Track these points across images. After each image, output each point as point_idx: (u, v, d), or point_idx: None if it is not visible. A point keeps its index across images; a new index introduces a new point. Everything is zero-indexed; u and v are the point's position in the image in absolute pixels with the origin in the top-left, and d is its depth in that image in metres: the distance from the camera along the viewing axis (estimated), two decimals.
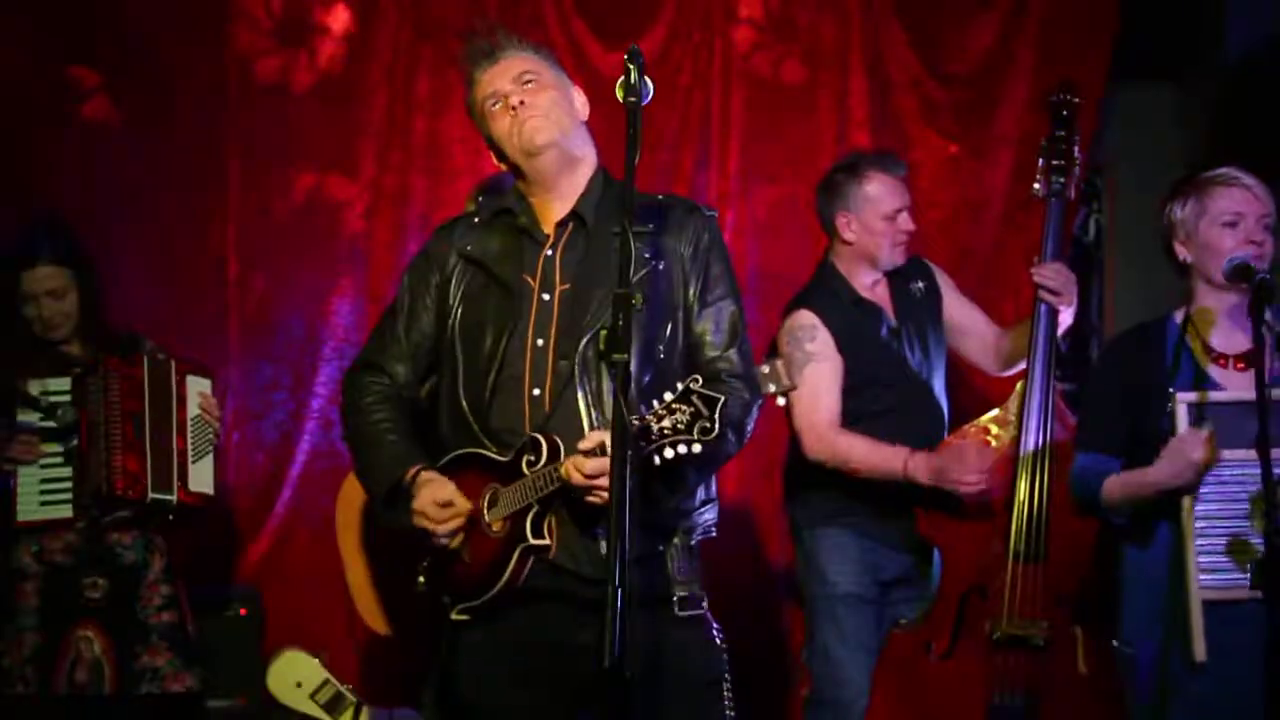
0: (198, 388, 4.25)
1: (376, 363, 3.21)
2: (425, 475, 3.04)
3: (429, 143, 5.22)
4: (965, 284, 4.58)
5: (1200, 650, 3.41)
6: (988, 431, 4.11)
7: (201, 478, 4.20)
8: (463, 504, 3.00)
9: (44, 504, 4.07)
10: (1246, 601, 3.35)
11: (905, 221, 4.27)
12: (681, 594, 3.01)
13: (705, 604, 3.10)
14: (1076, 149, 4.22)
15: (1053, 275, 4.12)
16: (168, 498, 4.12)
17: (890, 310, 4.30)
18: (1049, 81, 4.43)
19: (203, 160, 5.17)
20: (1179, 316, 3.62)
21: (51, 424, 4.08)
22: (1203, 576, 3.44)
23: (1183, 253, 3.60)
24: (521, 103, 3.03)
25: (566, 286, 3.03)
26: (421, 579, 3.10)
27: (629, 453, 2.65)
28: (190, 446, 4.19)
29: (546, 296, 3.03)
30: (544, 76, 3.08)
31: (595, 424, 2.92)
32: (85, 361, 4.16)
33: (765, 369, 3.16)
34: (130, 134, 5.13)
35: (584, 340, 2.96)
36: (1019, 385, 4.11)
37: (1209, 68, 5.44)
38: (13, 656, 4.04)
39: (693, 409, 2.71)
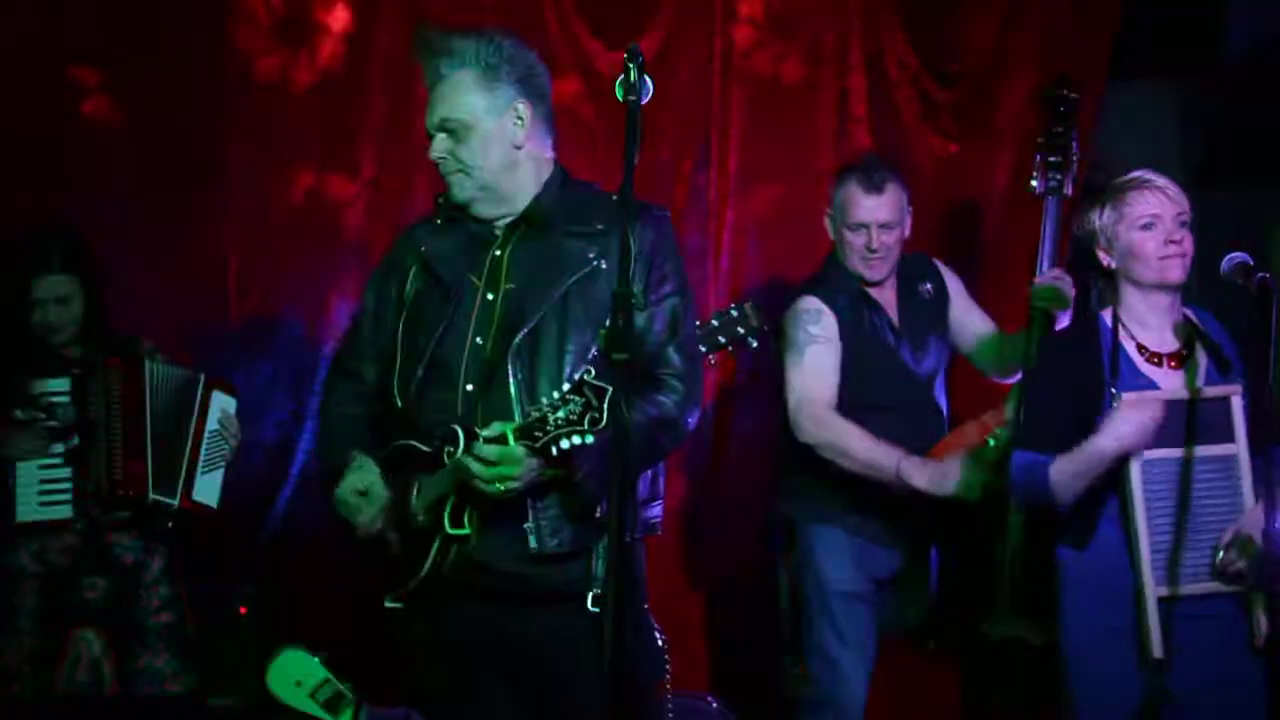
0: (221, 404, 4.28)
1: (347, 366, 3.30)
2: (356, 462, 3.10)
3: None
4: (965, 283, 4.57)
5: (1157, 647, 3.42)
6: (986, 428, 4.10)
7: (208, 490, 4.22)
8: (379, 492, 3.05)
9: (43, 504, 4.08)
10: (1201, 597, 3.43)
11: (873, 238, 4.18)
12: (598, 592, 2.99)
13: (638, 608, 3.13)
14: (1074, 145, 4.22)
15: (1049, 284, 4.12)
16: (169, 501, 4.12)
17: (894, 310, 4.28)
18: (1049, 80, 4.43)
19: (203, 160, 5.16)
20: (1108, 317, 3.64)
21: (52, 423, 4.09)
22: (1155, 573, 3.45)
23: (1106, 259, 3.62)
24: (440, 158, 3.08)
25: (511, 286, 3.07)
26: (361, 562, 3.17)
27: (539, 450, 2.80)
28: (203, 457, 4.21)
29: (490, 296, 3.08)
30: (472, 117, 3.05)
31: (527, 413, 2.93)
32: (85, 363, 4.16)
33: (734, 312, 3.18)
34: (130, 134, 5.13)
35: (519, 335, 3.01)
36: (1016, 385, 4.11)
37: (1210, 66, 5.44)
38: (12, 657, 4.04)
39: (585, 399, 2.75)
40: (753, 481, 4.99)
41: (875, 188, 4.18)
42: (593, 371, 2.77)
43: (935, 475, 4.00)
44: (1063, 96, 4.23)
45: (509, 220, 3.13)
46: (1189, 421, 3.46)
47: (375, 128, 5.23)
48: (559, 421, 2.77)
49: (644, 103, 2.80)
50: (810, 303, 4.19)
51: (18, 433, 4.07)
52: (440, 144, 3.09)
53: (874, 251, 4.18)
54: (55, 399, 4.11)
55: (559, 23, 5.21)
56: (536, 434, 2.81)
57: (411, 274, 3.17)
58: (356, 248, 5.22)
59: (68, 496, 4.09)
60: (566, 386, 2.77)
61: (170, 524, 4.19)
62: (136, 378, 4.15)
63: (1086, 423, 3.51)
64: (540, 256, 3.07)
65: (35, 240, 4.21)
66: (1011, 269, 5.04)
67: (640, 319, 3.05)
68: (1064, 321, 4.19)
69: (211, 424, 4.24)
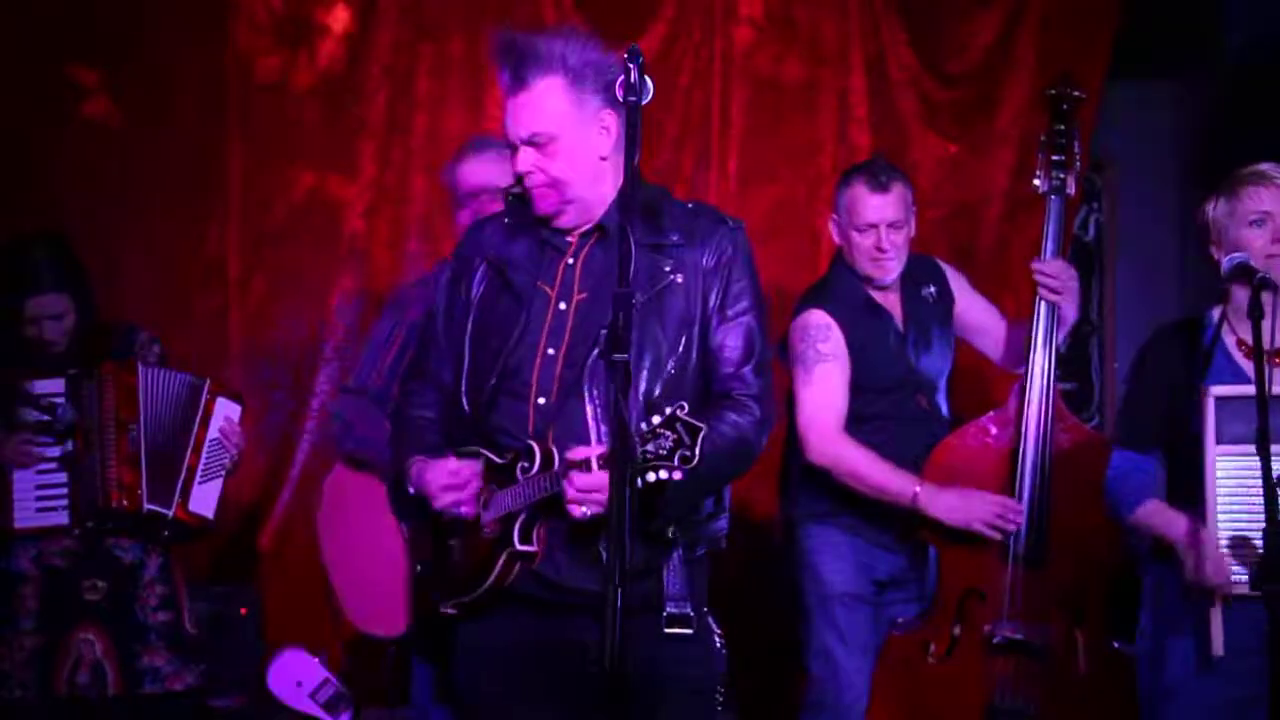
0: (225, 411, 4.22)
1: (426, 369, 3.23)
2: (420, 463, 3.05)
3: (429, 142, 5.22)
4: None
5: (1218, 645, 3.41)
6: (987, 431, 4.10)
7: (205, 500, 4.16)
8: (469, 471, 2.99)
9: (40, 511, 4.06)
10: (1254, 600, 3.36)
11: (882, 238, 4.14)
12: (671, 611, 2.99)
13: (702, 618, 3.09)
14: (1077, 144, 4.21)
15: (1054, 273, 4.11)
16: (164, 511, 4.08)
17: (899, 315, 4.26)
18: (1049, 79, 4.42)
19: (203, 160, 5.16)
20: (1216, 314, 3.61)
21: (51, 422, 4.06)
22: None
23: (1216, 253, 3.58)
24: (528, 171, 2.99)
25: (584, 296, 3.01)
26: (418, 568, 3.17)
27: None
28: (202, 466, 4.18)
29: (563, 305, 3.02)
30: (561, 128, 2.96)
31: (601, 438, 2.90)
32: (78, 363, 4.13)
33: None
34: (130, 134, 5.13)
35: (594, 352, 2.94)
36: (1018, 384, 4.11)
37: (1209, 66, 5.45)
38: (11, 660, 4.04)
39: (675, 436, 2.69)
40: (752, 481, 4.99)
41: (882, 187, 4.16)
42: (685, 406, 2.72)
43: (952, 507, 3.99)
44: (1065, 95, 4.22)
45: (584, 228, 3.06)
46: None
47: (375, 128, 5.23)
48: (647, 454, 2.69)
49: (644, 103, 2.80)
50: (818, 317, 4.16)
51: (16, 436, 4.06)
52: (528, 157, 2.98)
53: (884, 252, 4.16)
54: (53, 400, 4.09)
55: (558, 22, 5.21)
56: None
57: (479, 275, 3.11)
58: (356, 248, 5.22)
59: (64, 503, 4.06)
60: (657, 419, 2.70)
61: (166, 533, 4.16)
62: (131, 384, 4.11)
63: (1180, 417, 3.49)
64: (613, 268, 2.89)
65: (24, 257, 4.14)
66: (1012, 269, 5.05)
67: (715, 336, 3.02)
68: (1070, 314, 4.18)
69: (213, 432, 4.19)
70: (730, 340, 3.03)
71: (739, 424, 2.99)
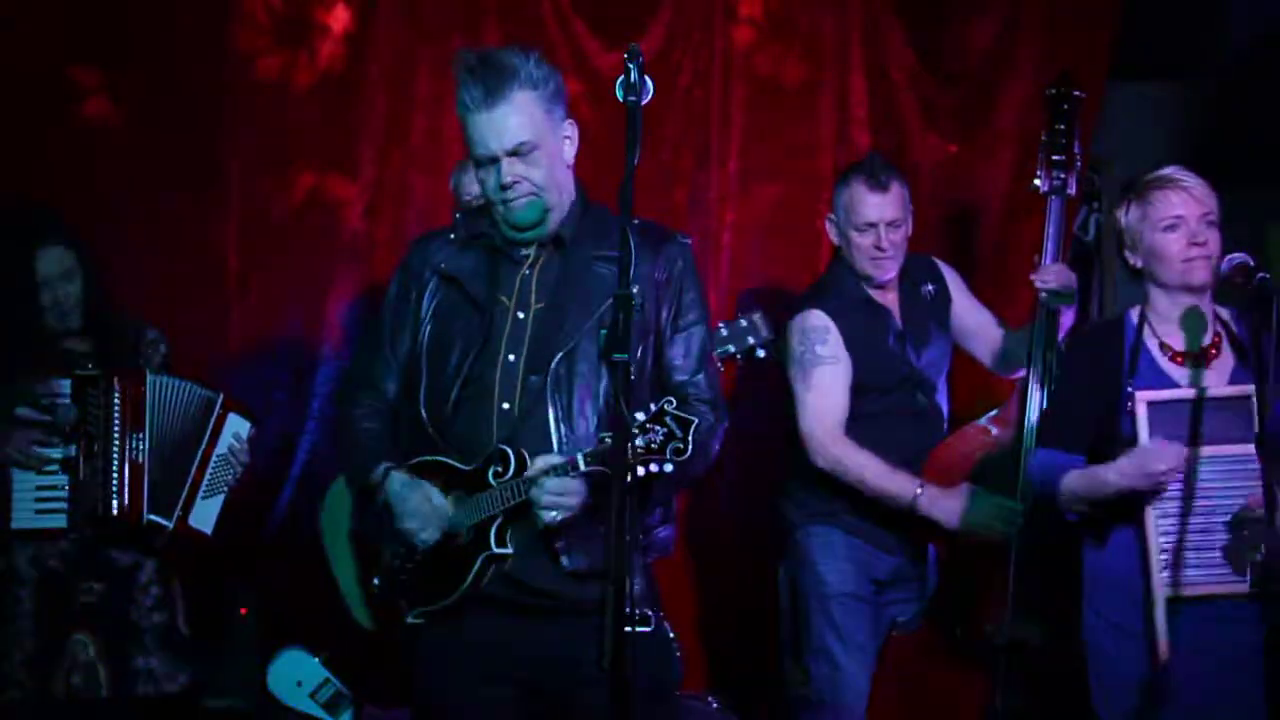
0: (235, 428, 4.22)
1: (367, 380, 3.28)
2: (399, 476, 3.10)
3: (429, 142, 5.21)
4: (965, 284, 4.57)
5: (1163, 648, 3.42)
6: (988, 432, 4.10)
7: (205, 515, 4.16)
8: (445, 509, 3.06)
9: (39, 513, 4.05)
10: (1215, 599, 3.41)
11: (881, 237, 4.16)
12: (636, 611, 3.03)
13: (657, 619, 3.19)
14: (1077, 144, 4.21)
15: (1053, 277, 4.12)
16: (164, 523, 4.07)
17: (898, 313, 4.27)
18: (1049, 79, 4.43)
19: (203, 160, 5.15)
20: (1134, 316, 3.63)
21: (52, 422, 4.06)
22: (1163, 574, 3.45)
23: (1132, 258, 3.64)
24: (514, 182, 3.04)
25: (541, 305, 3.10)
26: (376, 581, 3.18)
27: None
28: (206, 481, 4.17)
29: (521, 315, 3.10)
30: (540, 138, 3.05)
31: (564, 440, 3.00)
32: (88, 363, 4.11)
33: (744, 322, 3.22)
34: (130, 134, 5.12)
35: (556, 357, 3.03)
36: (1019, 385, 4.11)
37: (1210, 65, 5.45)
38: (8, 661, 4.03)
39: (666, 430, 2.81)
40: (751, 482, 5.00)
41: (881, 186, 4.18)
42: (674, 402, 2.83)
43: (952, 510, 3.99)
44: (1065, 95, 4.23)
45: (537, 240, 3.14)
46: (1202, 421, 3.44)
47: (375, 128, 5.22)
48: (637, 449, 2.79)
49: (644, 103, 2.81)
50: (816, 318, 4.17)
51: (18, 433, 4.05)
52: (514, 168, 3.05)
53: (883, 250, 4.17)
54: (57, 400, 4.08)
55: (558, 22, 5.21)
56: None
57: (430, 289, 3.18)
58: (356, 248, 5.22)
59: (63, 506, 4.06)
60: (642, 416, 2.80)
61: (162, 544, 4.15)
62: (139, 394, 4.09)
63: (1106, 421, 3.50)
64: (568, 278, 3.10)
65: (23, 213, 4.16)
66: (1012, 270, 5.04)
67: (669, 348, 3.14)
68: (1068, 318, 4.19)
69: (221, 448, 4.18)
70: (684, 349, 3.15)
71: (700, 427, 3.03)
